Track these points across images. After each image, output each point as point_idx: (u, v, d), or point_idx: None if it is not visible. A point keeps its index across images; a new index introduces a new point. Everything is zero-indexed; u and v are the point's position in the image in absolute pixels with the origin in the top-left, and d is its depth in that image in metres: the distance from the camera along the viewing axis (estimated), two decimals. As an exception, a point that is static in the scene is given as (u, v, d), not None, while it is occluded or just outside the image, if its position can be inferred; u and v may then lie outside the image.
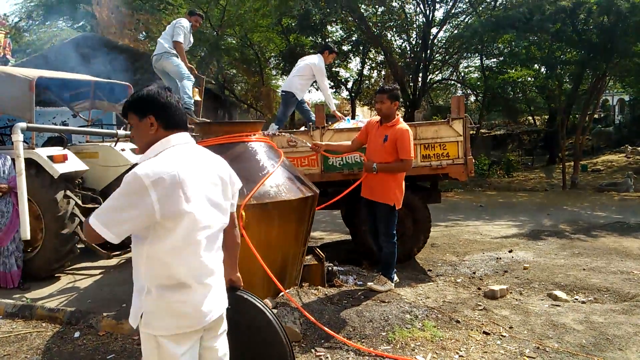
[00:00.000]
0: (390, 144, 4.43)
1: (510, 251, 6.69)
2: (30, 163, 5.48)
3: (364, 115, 22.23)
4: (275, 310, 3.77)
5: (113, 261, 6.35)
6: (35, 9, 25.57)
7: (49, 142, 6.55)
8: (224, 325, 2.07)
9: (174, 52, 6.39)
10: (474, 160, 5.84)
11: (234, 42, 19.26)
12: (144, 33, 23.41)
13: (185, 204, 1.78)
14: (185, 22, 6.57)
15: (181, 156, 1.85)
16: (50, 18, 26.04)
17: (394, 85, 4.72)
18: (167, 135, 1.90)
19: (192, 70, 6.57)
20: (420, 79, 18.17)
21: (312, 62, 6.53)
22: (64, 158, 5.72)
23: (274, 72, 23.49)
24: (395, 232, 4.66)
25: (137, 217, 1.73)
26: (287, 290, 4.23)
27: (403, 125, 4.51)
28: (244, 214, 3.76)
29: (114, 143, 6.66)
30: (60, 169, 5.55)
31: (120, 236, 1.77)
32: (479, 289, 5.04)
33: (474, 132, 19.04)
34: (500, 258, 6.32)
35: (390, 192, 4.49)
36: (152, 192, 1.70)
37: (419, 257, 6.27)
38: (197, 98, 6.82)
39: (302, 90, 6.66)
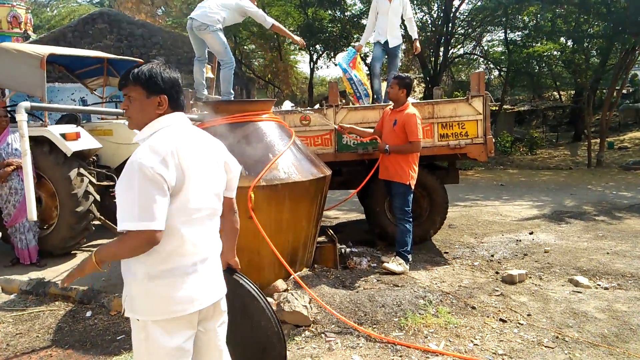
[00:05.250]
0: (399, 127, 4.70)
1: (531, 233, 6.49)
2: (43, 141, 5.48)
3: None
4: (271, 299, 3.70)
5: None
6: (55, -16, 25.62)
7: (63, 120, 6.52)
8: (224, 317, 1.99)
9: (220, 27, 5.47)
10: (494, 139, 5.64)
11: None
12: (162, 8, 23.23)
13: (180, 184, 1.72)
14: None
15: (179, 136, 1.79)
16: (69, -7, 26.08)
17: (408, 75, 4.93)
18: (168, 114, 1.84)
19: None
20: (441, 54, 17.67)
21: None
22: (76, 136, 5.69)
23: (292, 48, 23.12)
24: (410, 210, 4.83)
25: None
26: (298, 273, 4.16)
27: (411, 109, 4.75)
28: (252, 195, 3.67)
29: (128, 120, 6.61)
30: (72, 146, 5.53)
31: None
32: (497, 272, 4.89)
33: (496, 108, 18.51)
34: (520, 240, 6.14)
35: (404, 172, 4.72)
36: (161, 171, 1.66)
37: (436, 238, 6.12)
38: (210, 75, 6.64)
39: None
